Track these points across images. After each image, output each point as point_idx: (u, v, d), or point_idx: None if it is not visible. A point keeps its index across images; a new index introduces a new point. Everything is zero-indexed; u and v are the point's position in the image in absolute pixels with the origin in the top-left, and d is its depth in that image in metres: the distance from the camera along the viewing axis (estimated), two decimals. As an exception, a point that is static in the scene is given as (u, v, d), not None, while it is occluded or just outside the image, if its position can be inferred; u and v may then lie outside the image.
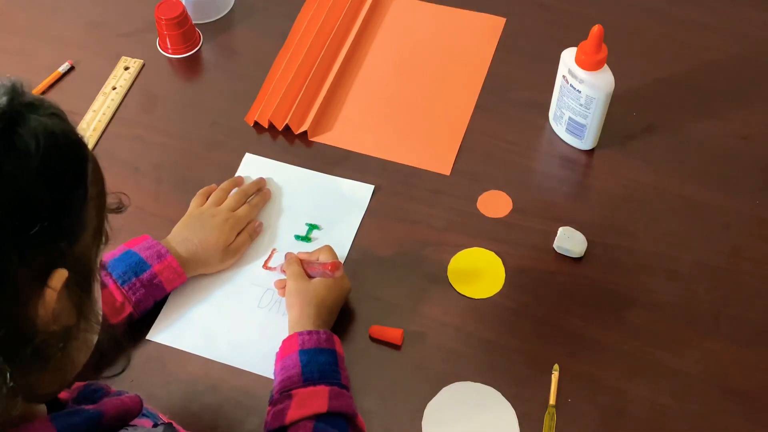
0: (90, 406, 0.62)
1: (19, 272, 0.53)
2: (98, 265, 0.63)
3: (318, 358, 0.89)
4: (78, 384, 0.72)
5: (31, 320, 0.55)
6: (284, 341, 0.92)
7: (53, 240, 0.55)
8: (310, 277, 0.98)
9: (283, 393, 0.87)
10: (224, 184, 1.10)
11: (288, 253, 1.02)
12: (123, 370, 0.73)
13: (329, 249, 1.00)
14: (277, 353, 0.93)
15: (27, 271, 0.54)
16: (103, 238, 0.63)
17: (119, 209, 0.65)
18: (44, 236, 0.54)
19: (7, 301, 0.53)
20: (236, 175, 1.14)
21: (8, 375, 0.53)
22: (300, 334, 0.91)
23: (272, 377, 0.95)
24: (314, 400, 0.86)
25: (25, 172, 0.53)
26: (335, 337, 0.93)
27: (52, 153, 0.54)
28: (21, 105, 0.55)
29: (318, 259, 0.99)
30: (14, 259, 0.52)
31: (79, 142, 0.59)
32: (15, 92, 0.55)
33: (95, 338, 0.65)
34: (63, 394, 0.70)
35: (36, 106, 0.56)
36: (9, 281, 0.53)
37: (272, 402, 0.88)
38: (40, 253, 0.54)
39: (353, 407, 0.88)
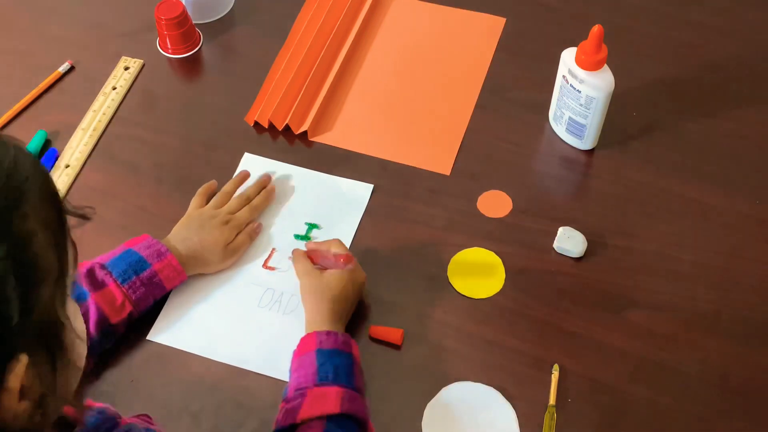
0: None
1: None
2: (69, 294, 0.58)
3: (334, 360, 0.89)
4: (90, 403, 0.69)
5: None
6: (302, 339, 0.93)
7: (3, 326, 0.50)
8: (321, 268, 0.99)
9: (297, 391, 0.87)
10: (227, 187, 1.10)
11: (295, 249, 1.03)
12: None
13: (339, 242, 1.00)
14: (294, 350, 0.93)
15: None
16: (68, 279, 0.57)
17: (84, 220, 0.60)
18: None
19: None
20: (234, 175, 1.14)
21: None
22: (318, 333, 0.91)
23: (273, 376, 0.96)
24: (327, 400, 0.86)
25: None
26: (353, 342, 0.93)
27: None
28: None
29: (329, 250, 0.99)
30: None
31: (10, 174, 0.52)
32: None
33: (83, 357, 0.62)
34: (72, 410, 0.65)
35: None
36: None
37: (285, 399, 0.88)
38: None
39: (365, 413, 0.88)
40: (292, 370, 0.91)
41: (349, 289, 0.97)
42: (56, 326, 0.56)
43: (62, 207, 0.57)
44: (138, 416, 0.79)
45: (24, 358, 0.52)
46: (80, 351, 0.61)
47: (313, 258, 1.00)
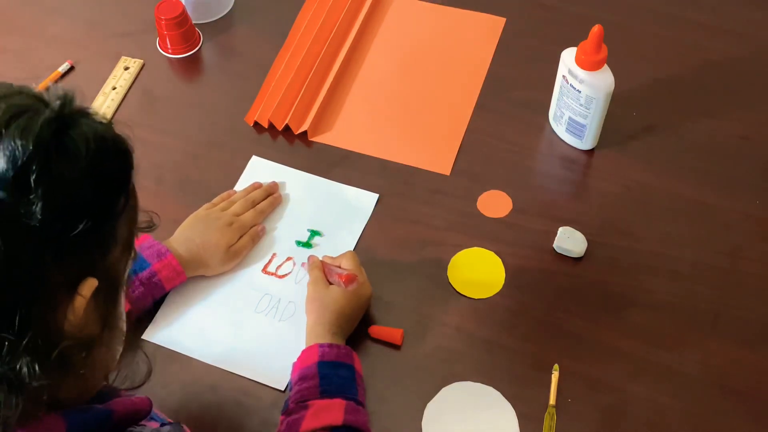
0: (100, 405, 0.62)
1: (53, 275, 0.54)
2: (126, 281, 0.64)
3: (337, 372, 0.89)
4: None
5: (59, 325, 0.57)
6: (303, 351, 0.92)
7: (88, 248, 0.57)
8: (330, 282, 0.98)
9: (299, 403, 0.87)
10: (236, 196, 1.10)
11: (311, 256, 1.02)
12: (143, 383, 0.73)
13: (352, 256, 1.00)
14: (294, 363, 0.92)
15: (60, 275, 0.55)
16: (132, 254, 0.64)
17: (150, 228, 0.67)
18: (81, 242, 0.55)
19: (39, 301, 0.55)
20: (241, 177, 1.14)
21: (34, 373, 0.54)
22: (321, 345, 0.91)
23: (266, 383, 0.95)
24: (330, 412, 0.86)
25: (73, 173, 0.55)
26: (354, 354, 0.93)
27: (100, 157, 0.57)
28: (72, 111, 0.57)
29: (340, 266, 0.99)
30: (49, 260, 0.54)
31: (127, 151, 0.61)
32: (67, 99, 0.57)
33: (118, 352, 0.66)
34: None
35: (87, 113, 0.58)
36: (43, 282, 0.54)
37: (286, 411, 0.88)
38: (74, 260, 0.56)
39: (367, 425, 0.88)
40: (293, 383, 0.90)
41: (354, 304, 0.97)
42: (117, 287, 0.63)
43: (137, 204, 0.66)
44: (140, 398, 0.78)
45: (95, 282, 0.58)
46: (117, 341, 0.66)
47: (324, 270, 1.00)
